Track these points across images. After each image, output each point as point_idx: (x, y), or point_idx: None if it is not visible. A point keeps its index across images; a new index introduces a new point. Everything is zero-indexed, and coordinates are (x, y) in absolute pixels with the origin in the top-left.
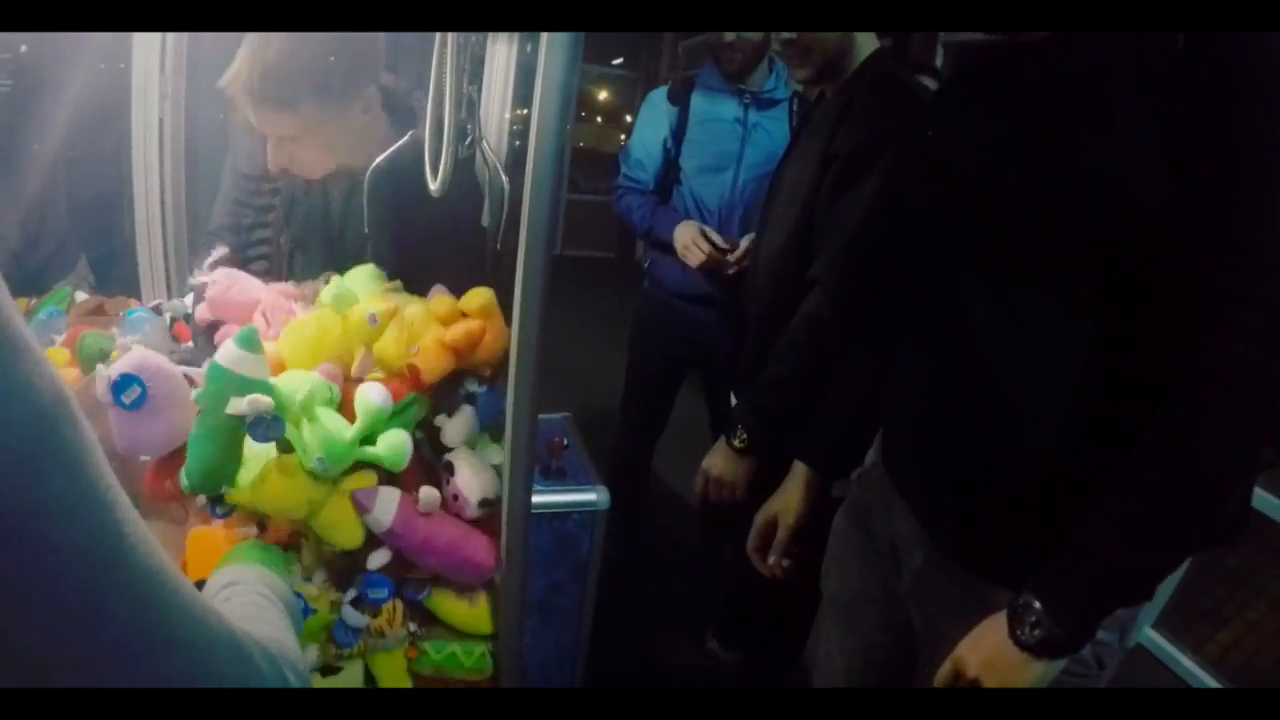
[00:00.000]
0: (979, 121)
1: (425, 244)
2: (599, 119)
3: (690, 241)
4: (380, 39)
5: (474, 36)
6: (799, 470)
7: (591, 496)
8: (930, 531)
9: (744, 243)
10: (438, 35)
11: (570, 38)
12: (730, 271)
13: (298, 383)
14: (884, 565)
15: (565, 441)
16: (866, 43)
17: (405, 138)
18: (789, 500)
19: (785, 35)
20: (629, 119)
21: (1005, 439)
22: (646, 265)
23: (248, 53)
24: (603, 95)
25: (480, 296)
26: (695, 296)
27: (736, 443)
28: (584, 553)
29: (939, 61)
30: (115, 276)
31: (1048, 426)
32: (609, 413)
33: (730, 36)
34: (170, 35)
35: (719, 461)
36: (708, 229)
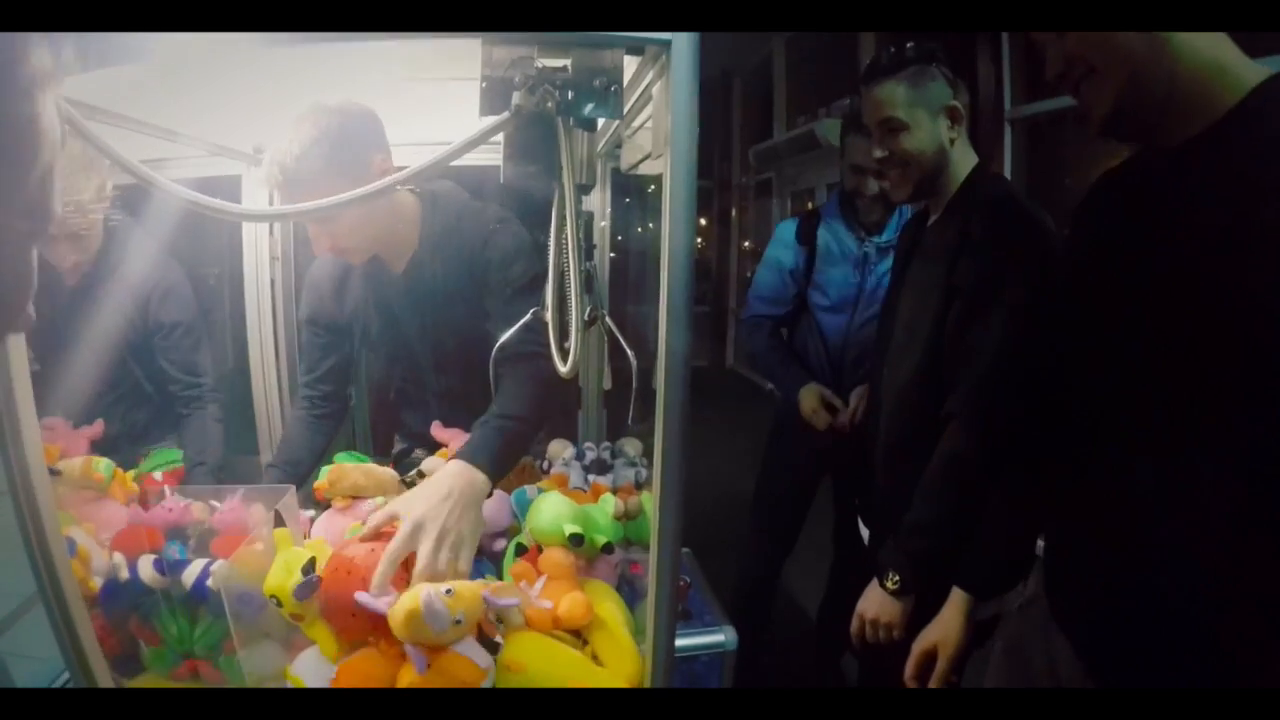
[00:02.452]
0: (1134, 240)
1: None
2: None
3: (811, 412)
4: (376, 122)
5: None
6: (959, 598)
7: (720, 638)
8: (1089, 666)
9: (854, 400)
10: (554, 213)
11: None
12: (847, 430)
13: None
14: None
15: (687, 580)
16: (962, 158)
17: (529, 315)
18: (949, 629)
19: (879, 153)
20: (703, 222)
21: (1162, 577)
22: (778, 395)
23: (271, 150)
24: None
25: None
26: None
27: (890, 585)
28: None
29: (1008, 139)
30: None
31: (1206, 565)
32: (722, 535)
33: (874, 189)
34: (276, 196)
35: (874, 604)
36: (829, 395)
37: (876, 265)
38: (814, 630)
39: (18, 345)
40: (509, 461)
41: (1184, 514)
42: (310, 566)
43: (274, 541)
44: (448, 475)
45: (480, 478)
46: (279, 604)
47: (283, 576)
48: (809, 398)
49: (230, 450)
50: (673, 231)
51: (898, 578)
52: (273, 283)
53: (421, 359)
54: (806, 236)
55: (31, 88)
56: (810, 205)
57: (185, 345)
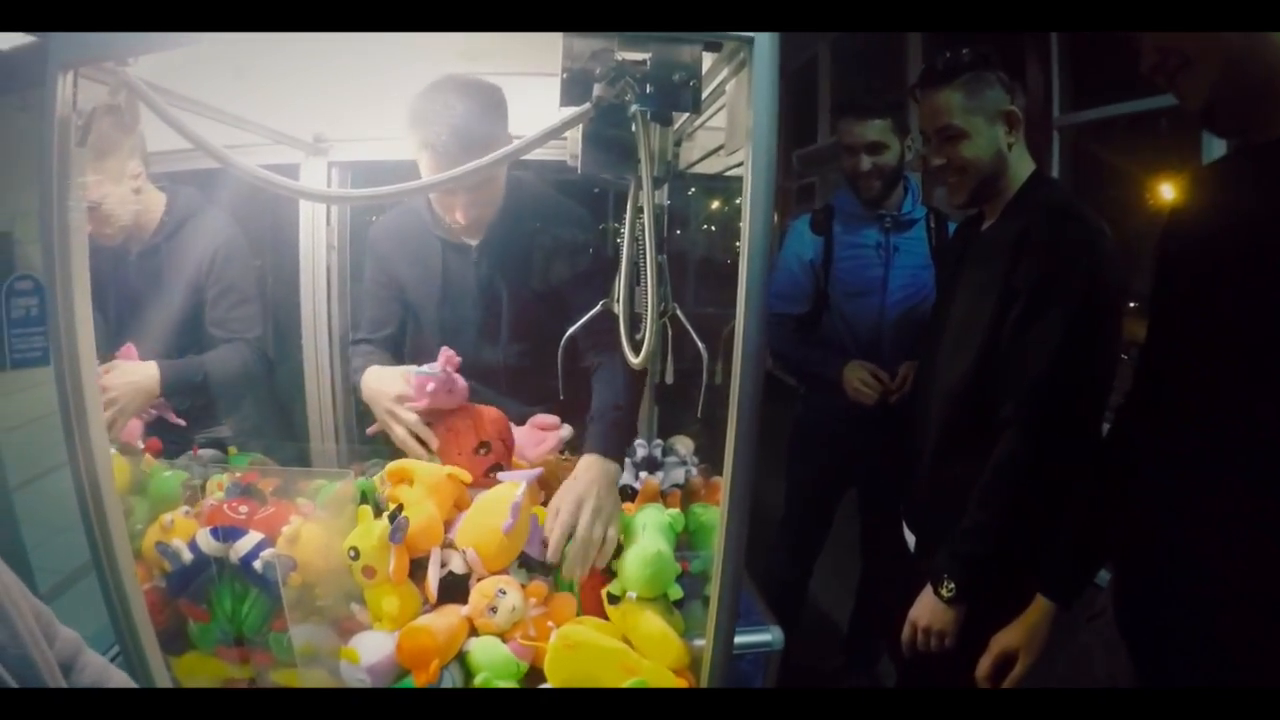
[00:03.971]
0: (1228, 236)
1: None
2: (712, 228)
3: (860, 383)
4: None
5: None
6: (1044, 606)
7: (766, 637)
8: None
9: (902, 370)
10: (629, 205)
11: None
12: (893, 400)
13: None
14: None
15: None
16: (1020, 163)
17: (597, 308)
18: (1034, 634)
19: (937, 161)
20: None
21: (1234, 597)
22: (801, 393)
23: (424, 127)
24: (715, 205)
25: None
26: (853, 420)
27: (944, 592)
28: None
29: (1055, 144)
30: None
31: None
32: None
33: (866, 165)
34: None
35: (928, 612)
36: (874, 368)
37: (898, 244)
38: (846, 639)
39: (85, 330)
40: (625, 445)
41: (1266, 535)
42: (399, 510)
43: (349, 513)
44: (588, 469)
45: (613, 466)
46: (356, 555)
47: (366, 532)
48: (855, 371)
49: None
50: (752, 228)
51: (953, 585)
52: (329, 271)
53: (489, 331)
54: (821, 226)
55: None
56: None
57: (238, 309)
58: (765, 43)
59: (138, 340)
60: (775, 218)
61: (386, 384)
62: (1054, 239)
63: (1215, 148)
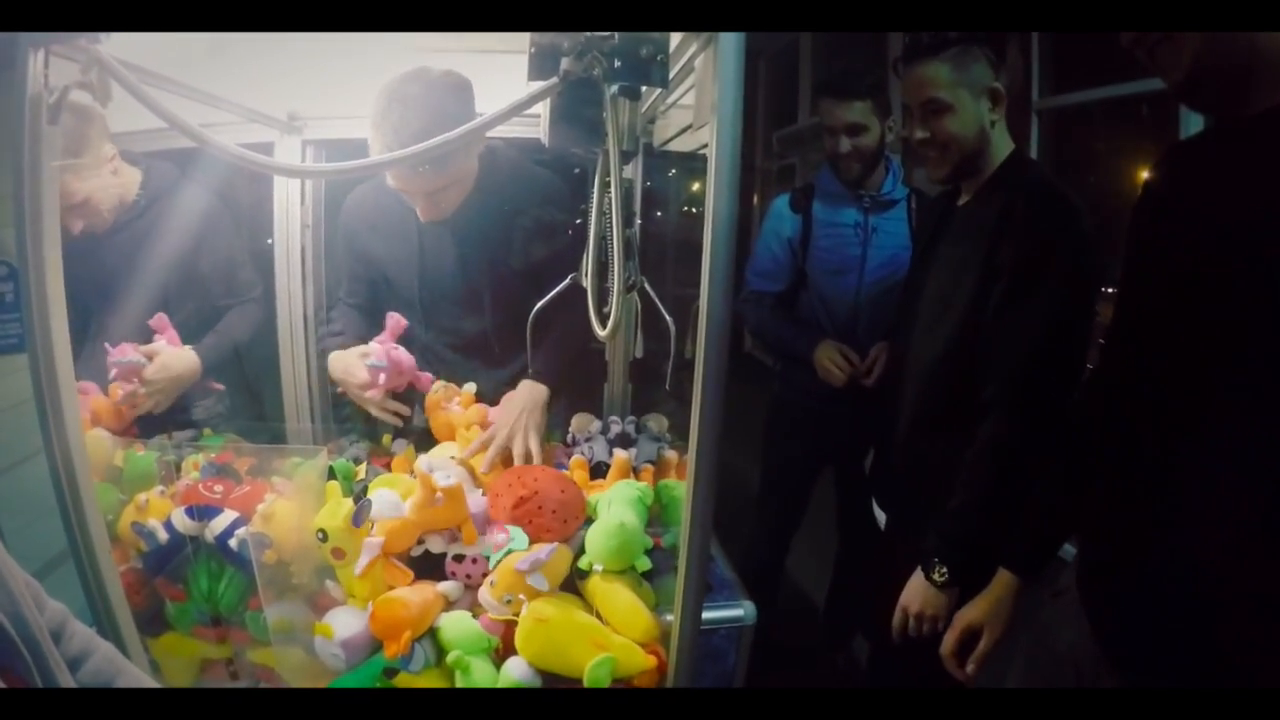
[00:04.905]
0: (1204, 213)
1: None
2: (694, 209)
3: (830, 363)
4: (471, 88)
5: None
6: (1007, 580)
7: (739, 612)
8: (1113, 661)
9: (873, 352)
10: (597, 179)
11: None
12: (867, 383)
13: None
14: (1064, 686)
15: (710, 553)
16: (1001, 142)
17: (566, 281)
18: (998, 611)
19: (920, 134)
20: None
21: (1197, 574)
22: (778, 370)
23: (386, 129)
24: (696, 187)
25: None
26: (830, 398)
27: (936, 577)
28: (729, 666)
29: (1034, 128)
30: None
31: (1245, 565)
32: (743, 513)
33: (846, 146)
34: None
35: (919, 598)
36: (845, 349)
37: (877, 224)
38: (822, 616)
39: (58, 313)
40: (555, 372)
41: (1228, 511)
42: (363, 492)
43: (323, 491)
44: (523, 389)
45: (540, 388)
46: (324, 538)
47: (332, 513)
48: (825, 351)
49: (254, 415)
50: (716, 202)
51: (945, 569)
52: (303, 250)
53: (467, 304)
54: (800, 205)
55: None
56: None
57: (239, 274)
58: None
59: (128, 317)
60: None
61: (351, 373)
62: (1038, 219)
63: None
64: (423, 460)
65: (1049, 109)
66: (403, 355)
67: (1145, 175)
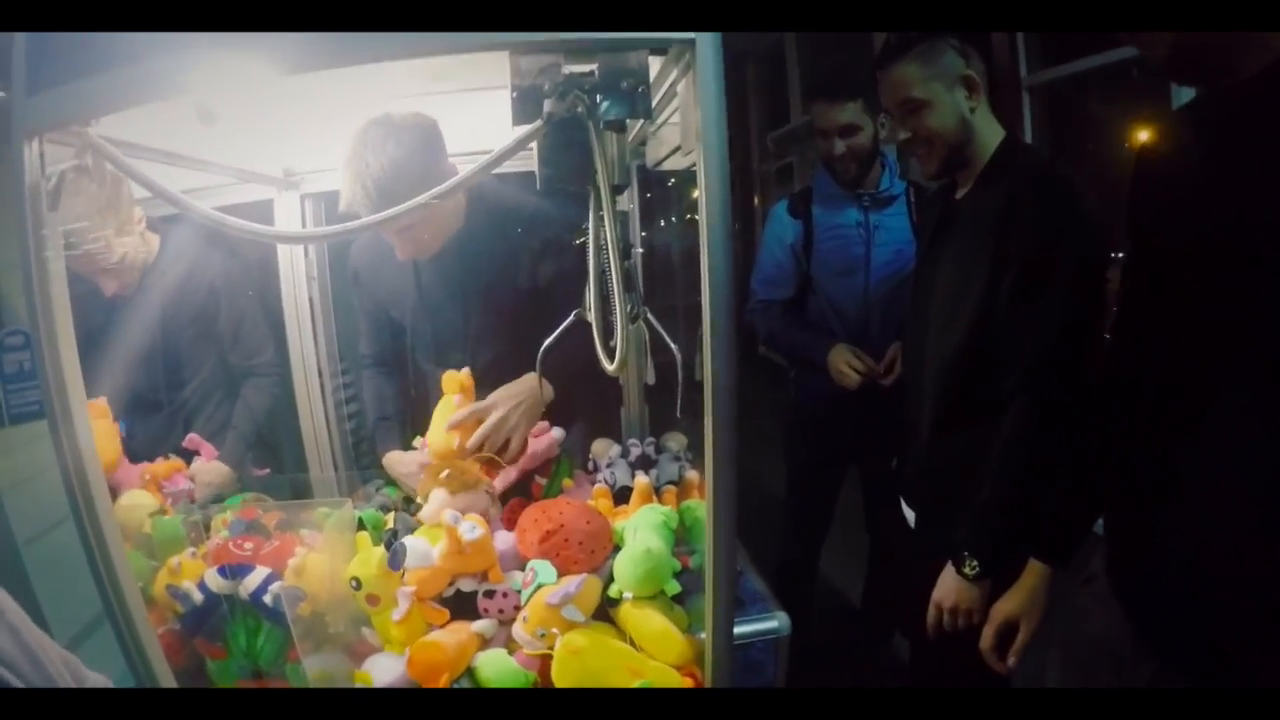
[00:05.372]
0: (1200, 187)
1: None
2: (692, 216)
3: (844, 367)
4: (438, 129)
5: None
6: (1039, 570)
7: (773, 624)
8: (1150, 643)
9: (890, 353)
10: (591, 214)
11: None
12: (885, 383)
13: None
14: (1104, 673)
15: (739, 568)
16: (987, 129)
17: (570, 317)
18: (1033, 601)
19: (903, 135)
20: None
21: (1225, 556)
22: (793, 376)
23: (351, 175)
24: (696, 194)
25: None
26: (846, 401)
27: (968, 570)
28: (769, 678)
29: (1026, 105)
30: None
31: (1271, 545)
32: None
33: (840, 148)
34: (309, 216)
35: (952, 592)
36: (858, 352)
37: (878, 221)
38: (860, 615)
39: (74, 374)
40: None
41: (1250, 493)
42: (394, 536)
43: (353, 541)
44: (529, 381)
45: (548, 387)
46: (358, 586)
47: (365, 561)
48: (839, 354)
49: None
50: (710, 226)
51: (976, 563)
52: (311, 302)
53: (465, 338)
54: (800, 209)
55: None
56: None
57: (253, 333)
58: (708, 41)
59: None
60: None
61: (410, 475)
62: (1041, 206)
63: (1185, 95)
64: (450, 513)
65: (1040, 84)
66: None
67: (1139, 148)
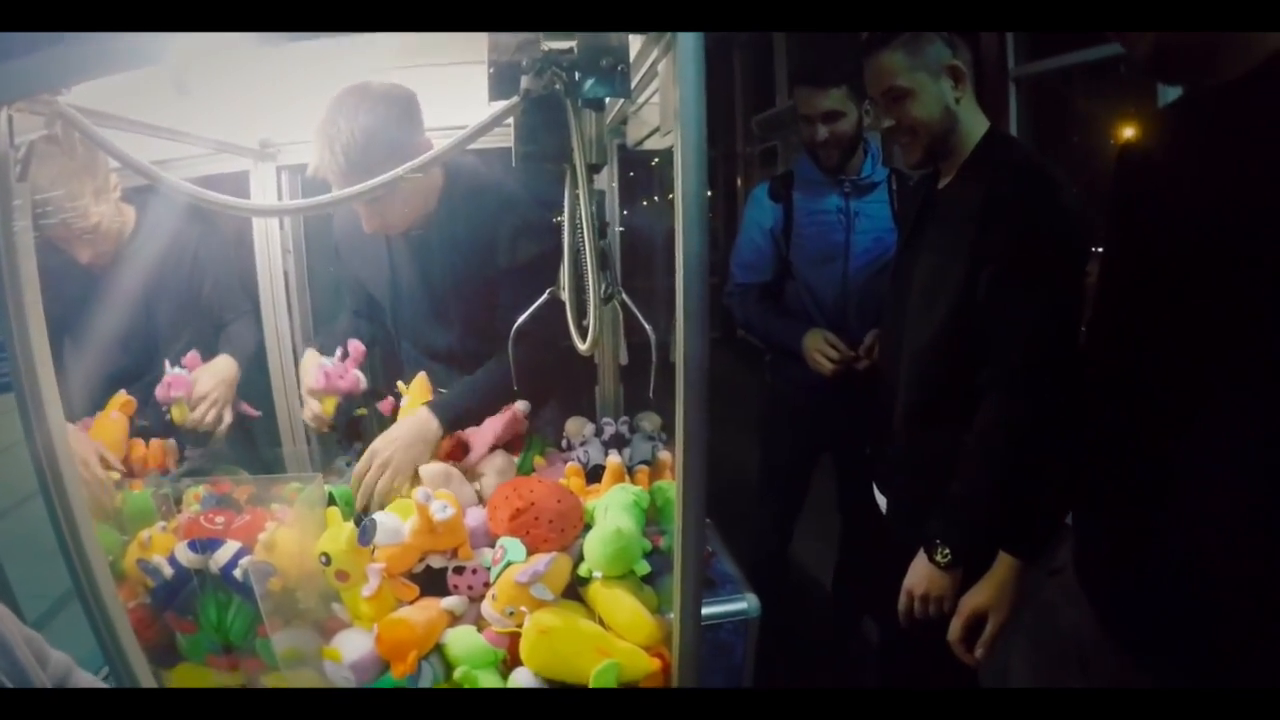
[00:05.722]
0: (1183, 185)
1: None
2: (671, 197)
3: (818, 353)
4: (415, 101)
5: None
6: (1009, 563)
7: (742, 605)
8: (1113, 635)
9: (868, 339)
10: (567, 193)
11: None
12: (861, 368)
13: None
14: (1069, 667)
15: (711, 549)
16: (972, 120)
17: (545, 295)
18: (1003, 594)
19: (887, 123)
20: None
21: (1198, 546)
22: (768, 360)
23: (323, 140)
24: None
25: None
26: (821, 387)
27: (940, 559)
28: (737, 660)
29: (1012, 96)
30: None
31: (1238, 540)
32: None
33: (824, 134)
34: (286, 188)
35: (924, 580)
36: (832, 337)
37: (859, 208)
38: (830, 599)
39: (42, 346)
40: (467, 420)
41: (1224, 488)
42: (363, 514)
43: (323, 517)
44: (409, 420)
45: (432, 424)
46: (328, 561)
47: (334, 537)
48: (814, 340)
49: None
50: (686, 207)
51: (948, 551)
52: (286, 275)
53: (438, 317)
54: (780, 194)
55: None
56: None
57: (233, 293)
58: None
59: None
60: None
61: (307, 371)
62: (1022, 200)
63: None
64: (420, 491)
65: (1026, 76)
66: (350, 375)
67: (1121, 144)
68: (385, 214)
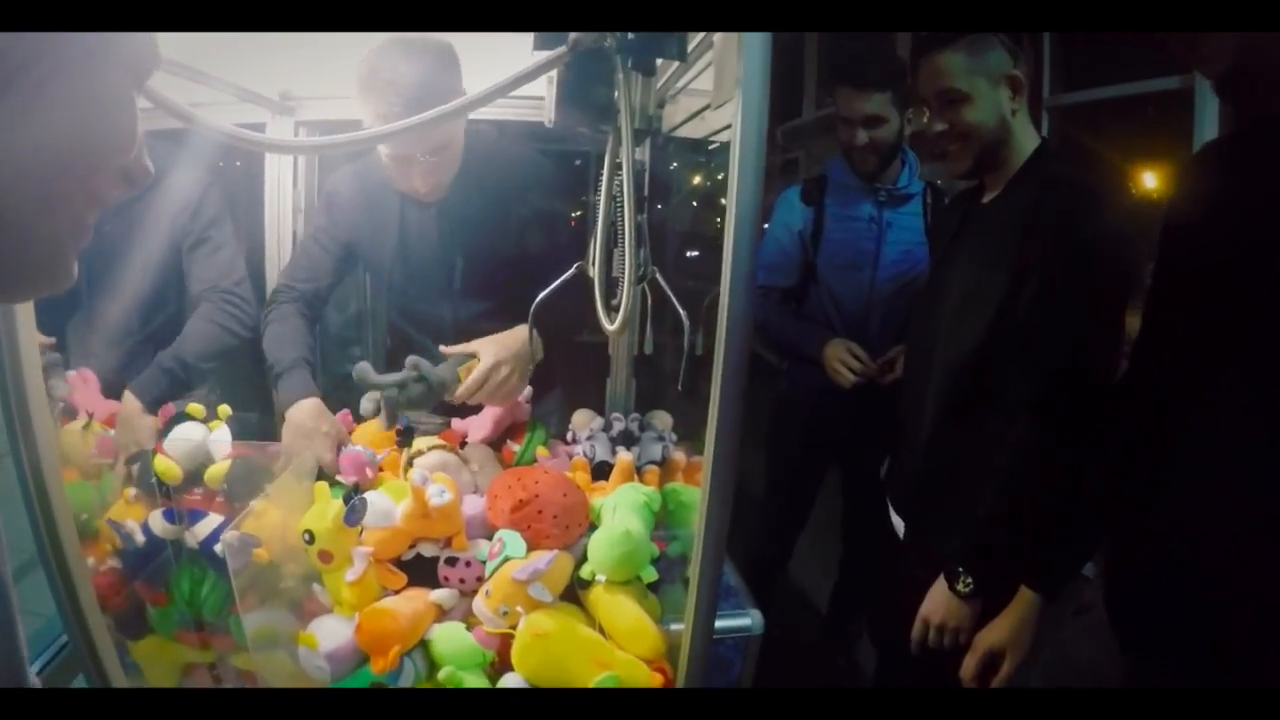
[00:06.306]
0: (1239, 214)
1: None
2: (694, 204)
3: (840, 363)
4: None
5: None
6: (1029, 600)
7: (745, 622)
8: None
9: (891, 353)
10: (607, 160)
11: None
12: (885, 382)
13: None
14: None
15: None
16: (1024, 134)
17: (571, 270)
18: (1022, 632)
19: (938, 126)
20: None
21: (1245, 588)
22: (784, 368)
23: (375, 91)
24: (698, 178)
25: None
26: (839, 398)
27: (961, 588)
28: (734, 676)
29: (1044, 125)
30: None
31: None
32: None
33: (863, 139)
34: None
35: (941, 608)
36: (856, 348)
37: (891, 219)
38: (825, 620)
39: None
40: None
41: (1262, 528)
42: (354, 493)
43: (310, 491)
44: (516, 335)
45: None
46: (311, 540)
47: (320, 514)
48: (836, 350)
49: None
50: (740, 188)
51: (970, 580)
52: (294, 236)
53: (445, 290)
54: (813, 197)
55: None
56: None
57: (215, 256)
58: None
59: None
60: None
61: (311, 438)
62: (1073, 216)
63: (1206, 134)
64: (417, 473)
65: (1059, 107)
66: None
67: (1179, 172)
68: (439, 172)
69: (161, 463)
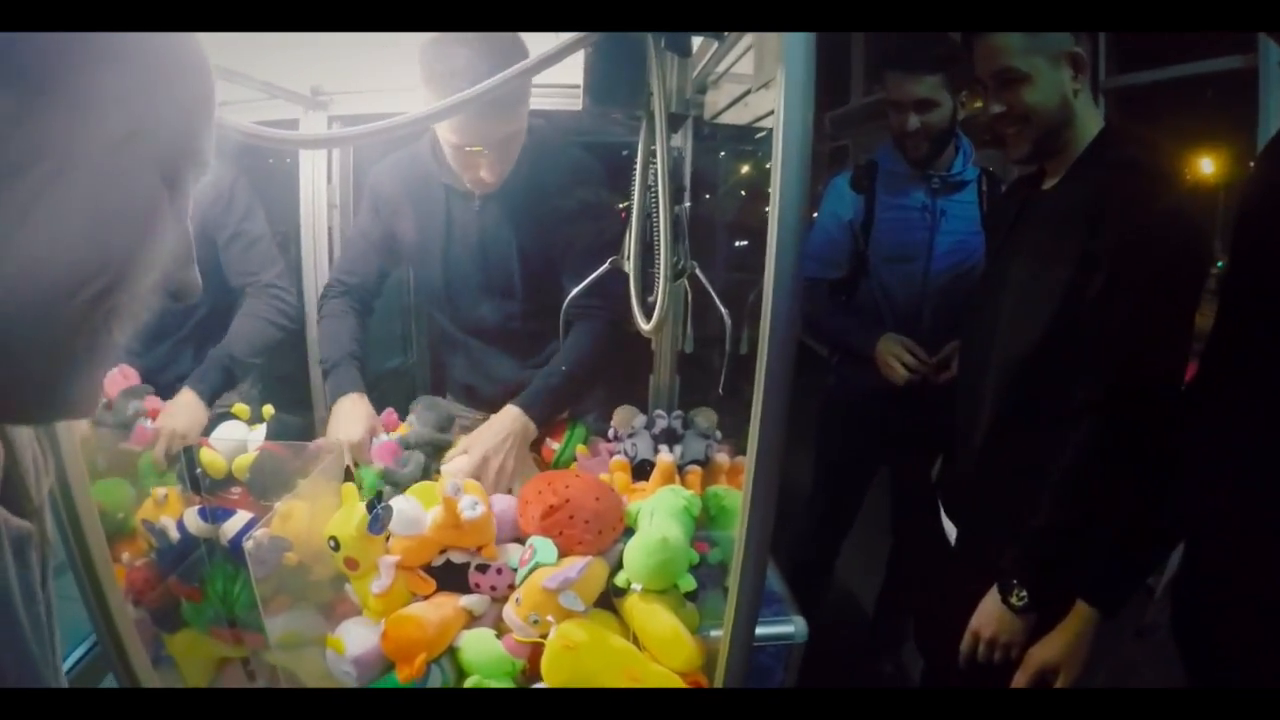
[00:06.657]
0: None
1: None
2: (743, 193)
3: (894, 358)
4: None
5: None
6: (1085, 616)
7: (789, 629)
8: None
9: (946, 350)
10: (640, 147)
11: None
12: (941, 380)
13: None
14: None
15: None
16: (1088, 116)
17: (605, 265)
18: (1077, 649)
19: (996, 108)
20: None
21: None
22: (834, 363)
23: (443, 82)
24: (746, 168)
25: None
26: (890, 396)
27: (1015, 601)
28: (776, 684)
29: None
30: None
31: None
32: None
33: (914, 124)
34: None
35: (994, 621)
36: (910, 343)
37: (945, 207)
38: (871, 625)
39: None
40: (555, 413)
41: None
42: (377, 500)
43: (338, 494)
44: (503, 420)
45: (529, 425)
46: (336, 546)
47: (345, 520)
48: (889, 345)
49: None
50: (785, 174)
51: (1025, 593)
52: (330, 231)
53: (491, 285)
54: (863, 184)
55: None
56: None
57: (251, 250)
58: None
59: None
60: None
61: (351, 433)
62: (1143, 203)
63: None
64: (450, 484)
65: (1116, 89)
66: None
67: (1257, 159)
68: (503, 163)
69: (208, 455)
